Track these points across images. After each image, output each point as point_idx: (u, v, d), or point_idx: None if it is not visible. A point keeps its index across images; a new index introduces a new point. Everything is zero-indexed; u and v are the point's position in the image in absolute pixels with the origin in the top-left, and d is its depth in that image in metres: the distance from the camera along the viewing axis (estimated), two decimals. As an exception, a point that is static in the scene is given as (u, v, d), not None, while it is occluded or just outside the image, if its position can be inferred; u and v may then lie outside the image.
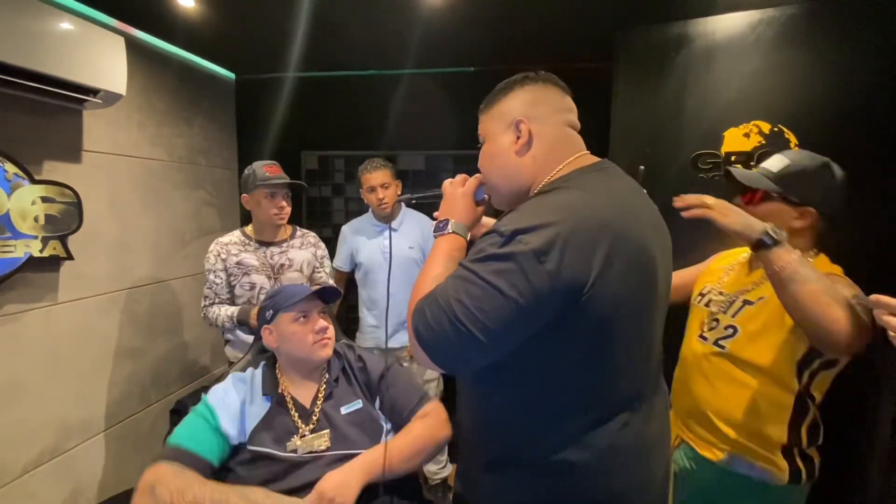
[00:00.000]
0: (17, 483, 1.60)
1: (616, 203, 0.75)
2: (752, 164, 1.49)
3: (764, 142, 1.48)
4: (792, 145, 1.45)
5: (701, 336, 1.19)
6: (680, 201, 1.07)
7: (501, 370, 0.77)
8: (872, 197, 1.28)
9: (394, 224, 2.18)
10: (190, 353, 2.43)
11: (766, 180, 1.08)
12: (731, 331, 1.12)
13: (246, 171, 1.84)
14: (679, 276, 1.33)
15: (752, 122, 1.49)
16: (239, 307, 1.78)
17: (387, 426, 1.23)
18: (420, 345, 0.72)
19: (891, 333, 0.75)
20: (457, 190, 0.92)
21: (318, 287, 1.27)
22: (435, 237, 0.88)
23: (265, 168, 1.81)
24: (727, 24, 1.52)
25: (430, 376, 2.24)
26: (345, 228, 2.30)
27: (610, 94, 1.72)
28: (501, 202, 0.91)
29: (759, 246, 0.97)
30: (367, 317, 2.27)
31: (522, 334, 0.70)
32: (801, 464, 1.06)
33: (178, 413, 2.24)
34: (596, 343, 0.73)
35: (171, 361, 2.30)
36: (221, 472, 1.12)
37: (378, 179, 2.08)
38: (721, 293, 1.19)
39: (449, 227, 0.87)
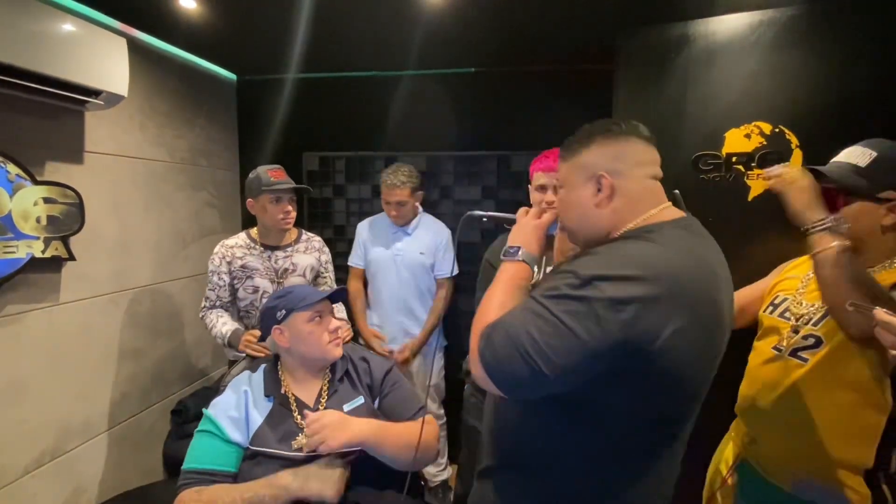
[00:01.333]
0: (18, 483, 1.60)
1: (696, 264, 0.76)
2: (752, 164, 1.48)
3: (765, 143, 1.48)
4: (793, 146, 1.45)
5: (775, 348, 1.10)
6: (766, 173, 1.08)
7: (549, 401, 0.79)
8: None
9: (408, 228, 2.21)
10: (191, 353, 2.43)
11: (863, 180, 0.99)
12: (812, 341, 1.03)
13: (250, 176, 1.85)
14: (742, 296, 1.26)
15: (754, 123, 1.49)
16: (233, 329, 1.76)
17: None
18: (484, 369, 0.75)
19: (891, 352, 0.75)
20: (532, 221, 0.94)
21: (330, 290, 1.33)
22: (503, 261, 0.90)
23: (269, 173, 1.82)
24: (728, 25, 1.52)
25: (434, 380, 2.24)
26: (360, 226, 2.34)
27: (611, 95, 1.72)
28: (577, 242, 0.93)
29: (810, 231, 0.97)
30: (371, 315, 2.29)
31: (585, 375, 0.72)
32: (886, 491, 0.97)
33: (179, 413, 2.24)
34: (657, 397, 0.75)
35: (173, 362, 2.31)
36: None
37: (395, 197, 2.10)
38: (800, 303, 1.10)
39: (519, 255, 0.88)
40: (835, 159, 1.07)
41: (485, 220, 1.09)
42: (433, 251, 2.19)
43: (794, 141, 1.45)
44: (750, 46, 1.49)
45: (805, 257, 1.24)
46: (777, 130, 1.47)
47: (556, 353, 0.69)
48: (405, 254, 2.18)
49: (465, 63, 2.43)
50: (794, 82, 1.45)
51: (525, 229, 0.93)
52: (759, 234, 1.45)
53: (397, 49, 2.20)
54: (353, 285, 2.34)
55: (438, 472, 2.30)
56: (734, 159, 1.51)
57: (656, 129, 1.60)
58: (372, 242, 2.25)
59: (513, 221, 0.97)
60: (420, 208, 2.27)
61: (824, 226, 0.96)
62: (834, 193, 1.04)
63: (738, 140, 1.51)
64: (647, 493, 0.81)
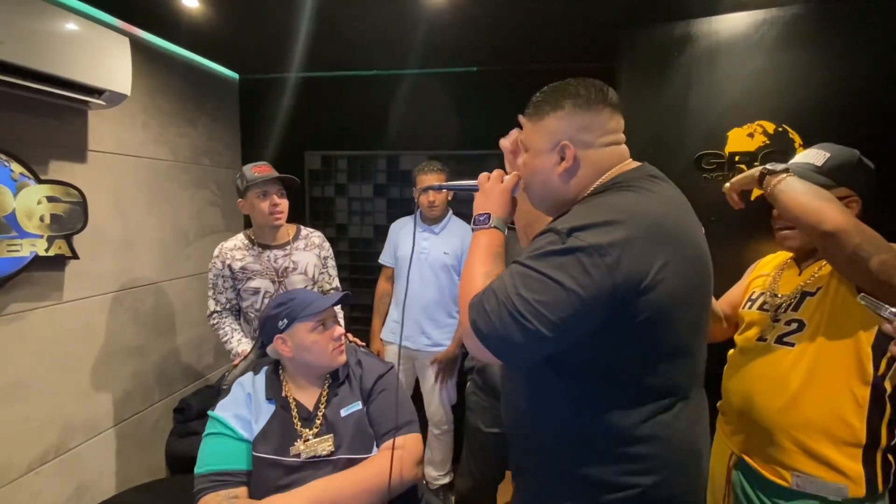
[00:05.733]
0: (22, 480, 1.61)
1: (667, 203, 0.78)
2: (755, 164, 1.48)
3: (768, 142, 1.47)
4: (796, 145, 1.44)
5: (760, 339, 1.13)
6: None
7: (553, 367, 0.78)
8: (877, 195, 1.27)
9: (435, 228, 2.21)
10: (193, 351, 2.44)
11: (825, 178, 1.05)
12: (795, 325, 1.06)
13: (237, 177, 1.80)
14: (728, 301, 1.29)
15: (757, 122, 1.49)
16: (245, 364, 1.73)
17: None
18: (479, 337, 0.74)
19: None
20: (496, 185, 0.92)
21: (335, 296, 1.26)
22: (474, 230, 0.89)
23: (254, 169, 1.76)
24: (731, 24, 1.52)
25: (448, 386, 2.24)
26: (393, 225, 2.37)
27: (613, 93, 1.72)
28: (540, 208, 0.92)
29: (762, 178, 1.04)
30: (393, 311, 2.31)
31: (583, 327, 0.72)
32: (879, 469, 0.98)
33: (181, 411, 2.25)
34: (646, 340, 0.74)
35: (175, 360, 2.32)
36: None
37: (431, 182, 2.11)
38: (776, 295, 1.14)
39: (491, 221, 0.88)
40: (793, 160, 1.13)
41: (443, 190, 1.07)
42: (458, 254, 2.18)
43: (798, 140, 1.44)
44: (753, 45, 1.49)
45: (772, 255, 1.27)
46: (780, 129, 1.46)
47: (549, 309, 0.69)
48: (429, 252, 2.18)
49: (467, 62, 2.43)
50: (798, 81, 1.44)
51: (491, 195, 0.91)
52: (762, 234, 1.44)
53: (399, 48, 2.20)
54: (382, 286, 2.37)
55: (440, 475, 2.30)
56: (737, 158, 1.51)
57: (659, 128, 1.61)
58: (400, 240, 2.27)
59: (474, 189, 0.95)
60: (450, 211, 2.28)
61: (766, 170, 1.04)
62: None
63: (741, 139, 1.51)
64: (672, 436, 0.79)
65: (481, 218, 0.89)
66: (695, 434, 0.83)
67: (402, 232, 2.29)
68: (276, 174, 1.77)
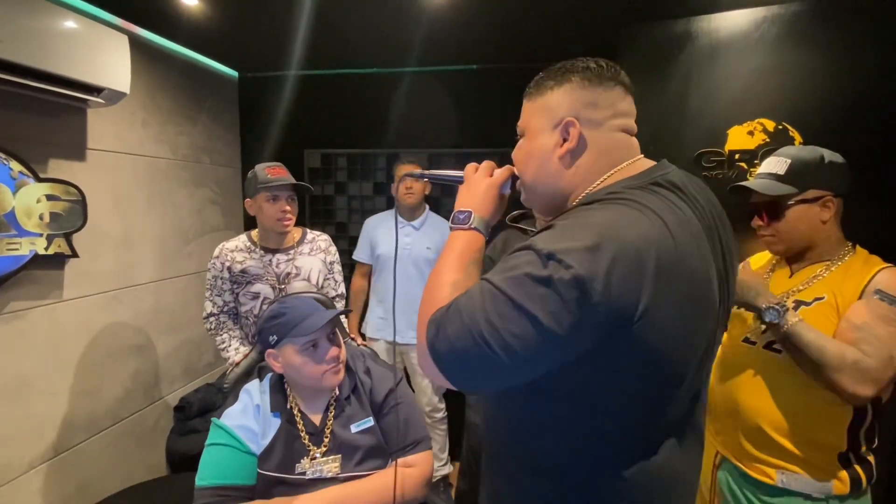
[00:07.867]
0: (22, 479, 1.62)
1: (669, 220, 0.64)
2: (755, 161, 1.48)
3: (768, 140, 1.47)
4: (796, 143, 1.44)
5: (747, 341, 1.13)
6: None
7: (529, 392, 0.69)
8: (877, 195, 1.28)
9: (415, 223, 2.23)
10: (193, 350, 2.44)
11: (789, 186, 1.05)
12: None
13: (248, 175, 1.76)
14: None
15: (757, 120, 1.48)
16: (247, 363, 1.70)
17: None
18: (435, 359, 0.64)
19: None
20: (483, 179, 0.80)
21: (329, 314, 1.14)
22: (451, 229, 0.77)
23: (267, 170, 1.71)
24: (731, 22, 1.51)
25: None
26: (368, 221, 2.39)
27: (613, 91, 1.72)
28: (534, 204, 0.81)
29: (763, 322, 1.04)
30: (375, 308, 2.32)
31: (553, 362, 0.63)
32: (859, 469, 1.01)
33: (182, 409, 2.25)
34: (638, 376, 0.64)
35: (175, 358, 2.32)
36: None
37: (407, 169, 2.15)
38: None
39: (471, 221, 0.75)
40: (757, 172, 1.14)
41: (425, 179, 1.01)
42: (440, 247, 2.18)
43: (798, 138, 1.44)
44: (753, 43, 1.48)
45: (760, 254, 1.28)
46: (780, 127, 1.46)
47: (520, 343, 0.59)
48: (412, 248, 2.19)
49: (467, 60, 2.42)
50: (798, 79, 1.44)
51: (476, 190, 0.79)
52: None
53: (399, 46, 2.20)
54: (357, 282, 2.38)
55: (439, 466, 2.31)
56: (737, 156, 1.51)
57: (659, 126, 1.61)
58: (378, 236, 2.28)
59: (460, 180, 0.84)
60: (427, 207, 2.30)
61: (770, 318, 1.02)
62: (770, 205, 1.09)
63: (742, 137, 1.50)
64: (653, 487, 0.68)
65: (461, 216, 0.76)
66: (681, 467, 0.72)
67: (379, 229, 2.30)
68: (291, 179, 1.72)
